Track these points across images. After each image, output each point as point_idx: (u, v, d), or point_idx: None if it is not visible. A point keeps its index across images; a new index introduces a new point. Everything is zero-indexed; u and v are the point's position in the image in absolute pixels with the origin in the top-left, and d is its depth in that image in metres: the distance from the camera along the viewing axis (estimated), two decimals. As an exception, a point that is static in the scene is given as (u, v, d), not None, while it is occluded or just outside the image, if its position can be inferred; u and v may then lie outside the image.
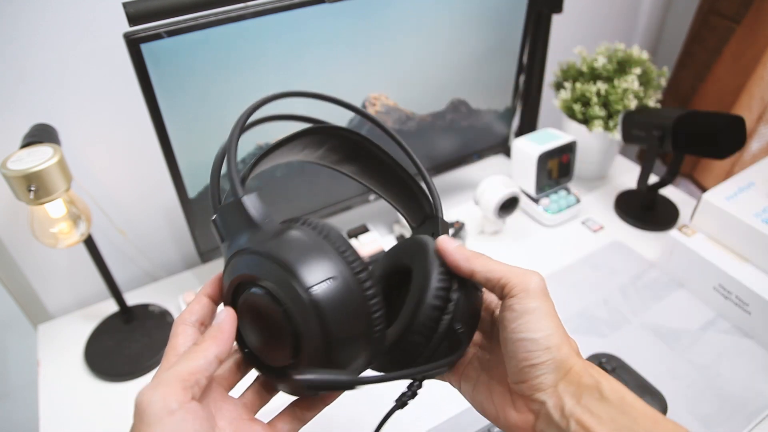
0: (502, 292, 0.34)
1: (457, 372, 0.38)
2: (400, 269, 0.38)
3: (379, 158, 0.42)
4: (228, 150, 0.35)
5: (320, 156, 0.42)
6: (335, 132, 0.40)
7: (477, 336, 0.39)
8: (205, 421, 0.29)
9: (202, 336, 0.31)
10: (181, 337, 0.32)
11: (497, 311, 0.37)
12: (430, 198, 0.42)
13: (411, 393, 0.34)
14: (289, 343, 0.30)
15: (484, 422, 0.62)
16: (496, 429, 0.62)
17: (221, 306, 0.33)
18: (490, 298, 0.39)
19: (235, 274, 0.32)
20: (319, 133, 0.39)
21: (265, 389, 0.35)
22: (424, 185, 0.42)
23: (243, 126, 0.36)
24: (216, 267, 0.89)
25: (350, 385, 0.30)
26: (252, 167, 0.37)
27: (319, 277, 0.29)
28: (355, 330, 0.30)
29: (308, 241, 0.31)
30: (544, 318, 0.33)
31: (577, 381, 0.31)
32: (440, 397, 0.66)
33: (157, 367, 0.32)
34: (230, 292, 0.33)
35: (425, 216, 0.42)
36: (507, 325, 0.33)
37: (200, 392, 0.29)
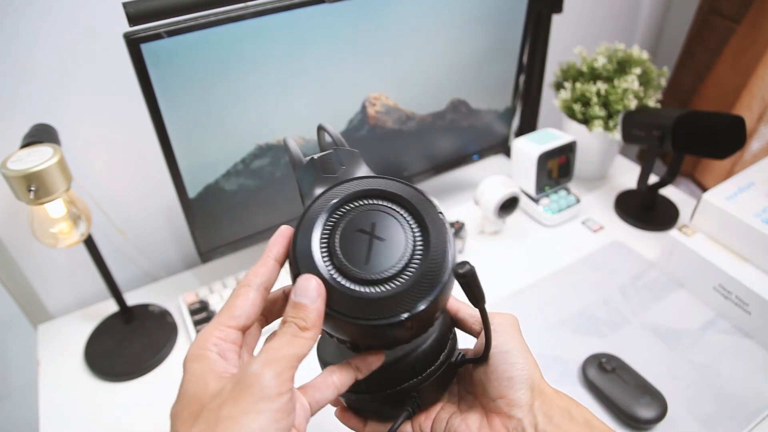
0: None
1: (428, 417, 0.39)
2: None
3: None
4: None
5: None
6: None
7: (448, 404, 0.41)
8: (293, 415, 0.29)
9: (304, 322, 0.30)
10: (241, 299, 0.31)
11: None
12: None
13: (416, 403, 0.37)
14: (409, 253, 0.33)
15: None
16: None
17: (310, 279, 0.31)
18: None
19: (369, 187, 0.35)
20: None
21: None
22: None
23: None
24: (216, 267, 0.89)
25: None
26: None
27: (439, 209, 0.35)
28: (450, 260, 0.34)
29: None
30: (518, 342, 0.37)
31: (549, 402, 0.34)
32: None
33: (210, 321, 0.32)
34: (343, 201, 0.34)
35: None
36: (495, 339, 0.37)
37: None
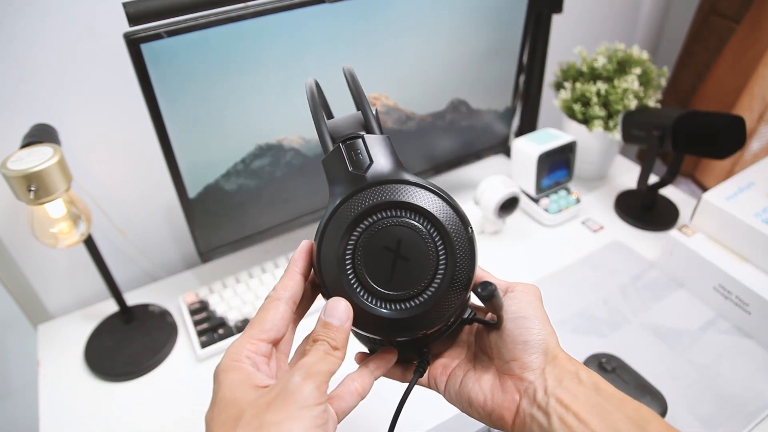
0: (505, 291, 0.39)
1: (444, 372, 0.41)
2: None
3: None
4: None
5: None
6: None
7: (462, 339, 0.43)
8: (327, 424, 0.31)
9: (335, 342, 0.32)
10: (271, 312, 0.34)
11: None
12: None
13: (426, 361, 0.38)
14: (432, 271, 0.33)
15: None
16: (496, 429, 0.62)
17: (340, 303, 0.33)
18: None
19: (392, 198, 0.33)
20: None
21: None
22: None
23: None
24: (216, 267, 0.89)
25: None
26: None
27: (468, 223, 0.35)
28: (472, 273, 0.34)
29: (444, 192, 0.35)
30: (537, 310, 0.38)
31: (561, 367, 0.35)
32: (441, 397, 0.66)
33: (241, 333, 0.34)
34: (364, 215, 0.33)
35: None
36: (507, 308, 0.38)
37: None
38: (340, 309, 0.33)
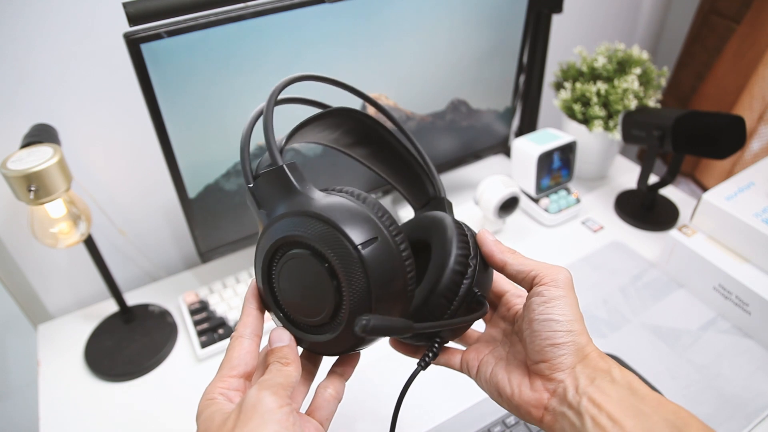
0: (532, 282, 0.37)
1: (476, 357, 0.41)
2: (415, 242, 0.40)
3: (389, 143, 0.45)
4: (265, 119, 0.36)
5: (335, 139, 0.44)
6: (354, 115, 0.42)
7: (499, 326, 0.43)
8: (299, 425, 0.32)
9: (286, 359, 0.35)
10: (236, 349, 0.36)
11: (515, 306, 0.42)
12: (433, 180, 0.45)
13: (432, 354, 0.38)
14: (331, 300, 0.33)
15: (484, 423, 0.62)
16: (497, 429, 0.62)
17: (274, 328, 0.36)
18: (510, 294, 0.43)
19: (278, 236, 0.33)
20: (340, 115, 0.41)
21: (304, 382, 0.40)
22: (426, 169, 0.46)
23: (277, 97, 0.38)
24: (216, 267, 0.89)
25: (405, 331, 0.33)
26: (288, 138, 0.39)
27: (365, 237, 0.32)
28: (392, 288, 0.33)
29: (351, 204, 0.33)
30: (568, 306, 0.36)
31: (593, 366, 0.34)
32: (440, 397, 0.66)
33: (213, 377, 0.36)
34: (269, 254, 0.34)
35: (429, 198, 0.46)
36: (534, 308, 0.36)
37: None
38: (284, 335, 0.36)
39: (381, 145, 0.45)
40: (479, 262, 0.38)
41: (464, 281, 0.37)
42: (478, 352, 0.41)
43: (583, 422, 0.32)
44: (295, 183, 0.34)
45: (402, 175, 0.47)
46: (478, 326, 0.44)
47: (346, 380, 0.39)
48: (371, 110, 0.73)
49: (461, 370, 0.42)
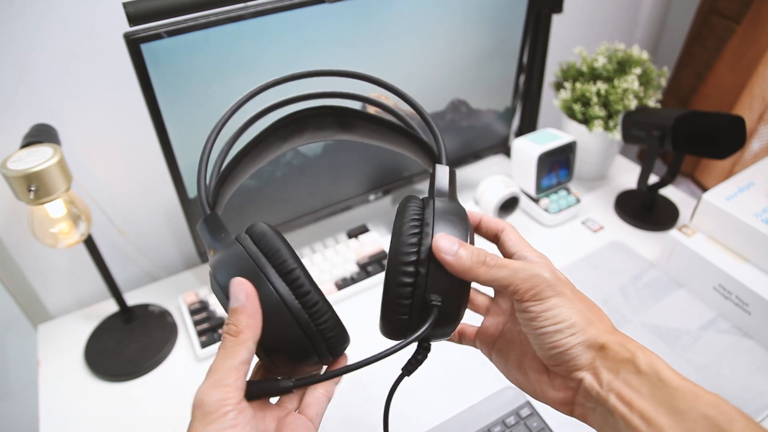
0: (513, 297, 0.33)
1: (487, 345, 0.39)
2: None
3: (373, 118, 0.43)
4: (199, 166, 0.37)
5: (309, 138, 0.43)
6: (304, 115, 0.41)
7: (503, 309, 0.40)
8: (253, 423, 0.31)
9: (236, 324, 0.31)
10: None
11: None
12: (437, 141, 0.41)
13: (417, 360, 0.36)
14: None
15: (484, 423, 0.62)
16: (497, 429, 0.62)
17: (240, 283, 0.32)
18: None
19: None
20: (287, 124, 0.41)
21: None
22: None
23: (215, 138, 0.39)
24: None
25: (285, 391, 0.34)
26: (219, 186, 0.39)
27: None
28: (285, 338, 0.32)
29: (238, 258, 0.33)
30: (562, 308, 0.32)
31: (613, 356, 0.31)
32: (440, 397, 0.66)
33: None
34: None
35: (434, 160, 0.41)
36: (527, 323, 0.33)
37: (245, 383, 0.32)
38: (237, 288, 0.31)
39: (366, 123, 0.43)
40: (434, 263, 0.33)
41: (416, 291, 0.33)
42: (488, 334, 0.39)
43: (615, 421, 0.30)
44: (207, 241, 0.36)
45: (402, 142, 0.44)
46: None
47: (337, 382, 0.38)
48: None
49: (480, 351, 0.40)
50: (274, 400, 0.36)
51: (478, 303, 0.42)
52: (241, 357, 0.30)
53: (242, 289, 0.31)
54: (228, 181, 0.40)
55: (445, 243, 0.33)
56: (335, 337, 0.34)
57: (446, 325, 0.35)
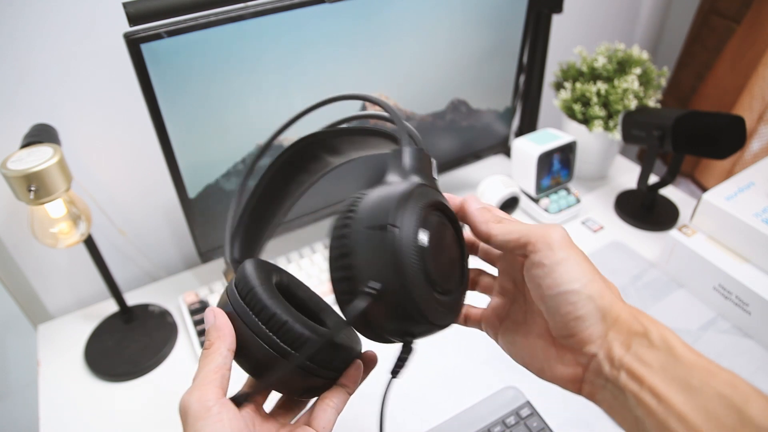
0: (525, 251, 0.32)
1: (493, 327, 0.38)
2: None
3: (348, 130, 0.42)
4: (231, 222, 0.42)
5: (313, 174, 0.46)
6: (272, 170, 0.44)
7: (508, 289, 0.38)
8: (239, 417, 0.32)
9: (208, 339, 0.35)
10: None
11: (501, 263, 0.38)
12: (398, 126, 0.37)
13: (402, 361, 0.34)
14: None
15: (484, 423, 0.62)
16: (497, 429, 0.62)
17: (209, 310, 0.37)
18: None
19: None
20: (282, 166, 0.43)
21: (291, 405, 0.40)
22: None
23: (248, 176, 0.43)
24: (216, 267, 0.89)
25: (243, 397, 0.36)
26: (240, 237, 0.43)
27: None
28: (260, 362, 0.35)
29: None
30: (577, 266, 0.31)
31: (626, 329, 0.30)
32: (440, 397, 0.66)
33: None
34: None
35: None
36: (540, 282, 0.31)
37: (227, 384, 0.34)
38: (207, 314, 0.36)
39: (318, 154, 0.44)
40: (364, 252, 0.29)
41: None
42: (494, 316, 0.38)
43: (625, 398, 0.28)
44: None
45: (373, 144, 0.41)
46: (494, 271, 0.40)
47: (351, 393, 0.38)
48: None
49: (486, 333, 0.39)
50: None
51: (483, 284, 0.40)
52: (216, 362, 0.33)
53: (211, 312, 0.36)
54: (251, 231, 0.43)
55: (473, 199, 0.35)
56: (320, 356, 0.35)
57: (406, 319, 0.30)
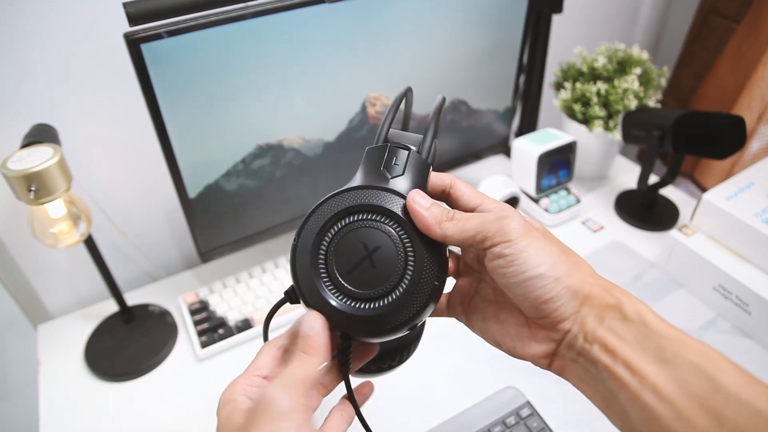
0: (483, 246, 0.32)
1: (462, 309, 0.37)
2: None
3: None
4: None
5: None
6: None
7: (473, 269, 0.38)
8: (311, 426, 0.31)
9: (312, 348, 0.32)
10: (265, 355, 0.35)
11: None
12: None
13: (342, 353, 0.35)
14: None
15: (484, 423, 0.62)
16: (497, 429, 0.62)
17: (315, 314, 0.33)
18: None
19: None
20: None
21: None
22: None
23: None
24: (216, 267, 0.89)
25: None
26: None
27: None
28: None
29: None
30: (540, 251, 0.30)
31: (598, 303, 0.30)
32: (440, 397, 0.66)
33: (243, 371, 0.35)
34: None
35: None
36: (503, 272, 0.31)
37: (317, 398, 0.33)
38: (315, 322, 0.32)
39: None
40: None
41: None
42: (462, 296, 0.37)
43: (597, 371, 0.29)
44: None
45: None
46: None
47: (360, 406, 0.38)
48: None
49: (456, 318, 0.38)
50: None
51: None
52: (311, 373, 0.32)
53: (318, 322, 0.33)
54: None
55: (419, 197, 0.33)
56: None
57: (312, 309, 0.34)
